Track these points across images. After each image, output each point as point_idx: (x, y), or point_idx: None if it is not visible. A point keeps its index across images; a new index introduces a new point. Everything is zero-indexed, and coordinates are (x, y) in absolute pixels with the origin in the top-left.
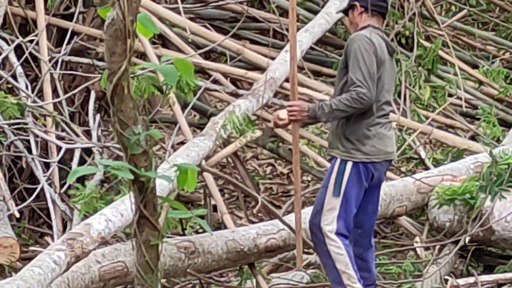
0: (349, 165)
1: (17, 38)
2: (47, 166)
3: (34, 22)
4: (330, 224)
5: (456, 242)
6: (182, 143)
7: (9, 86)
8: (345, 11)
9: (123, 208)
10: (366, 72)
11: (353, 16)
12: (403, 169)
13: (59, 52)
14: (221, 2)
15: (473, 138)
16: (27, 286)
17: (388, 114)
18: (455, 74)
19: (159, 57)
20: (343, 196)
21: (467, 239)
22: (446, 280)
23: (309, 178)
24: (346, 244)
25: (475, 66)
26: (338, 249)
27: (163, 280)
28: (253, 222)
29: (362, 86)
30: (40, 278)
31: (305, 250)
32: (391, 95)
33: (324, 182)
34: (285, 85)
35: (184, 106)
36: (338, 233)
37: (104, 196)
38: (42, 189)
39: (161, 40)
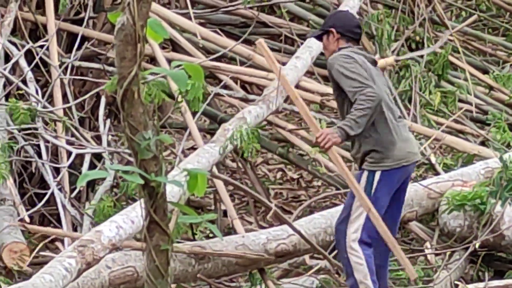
0: (378, 174)
1: (27, 43)
2: (57, 171)
3: (44, 27)
4: (355, 232)
5: (467, 248)
6: (193, 148)
7: (20, 92)
8: (319, 36)
9: (134, 215)
10: (358, 76)
11: (328, 42)
12: (413, 174)
13: (69, 57)
14: (231, 8)
15: (483, 143)
16: None
17: (400, 116)
18: (465, 80)
19: (169, 61)
20: (372, 204)
21: (477, 244)
22: (457, 286)
23: (319, 183)
24: (368, 255)
25: (485, 71)
26: (358, 258)
27: (173, 285)
28: (263, 227)
29: (363, 87)
30: (51, 285)
31: (315, 255)
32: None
33: (351, 192)
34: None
35: (194, 112)
36: (361, 241)
37: (119, 205)
38: (52, 194)
39: (172, 46)
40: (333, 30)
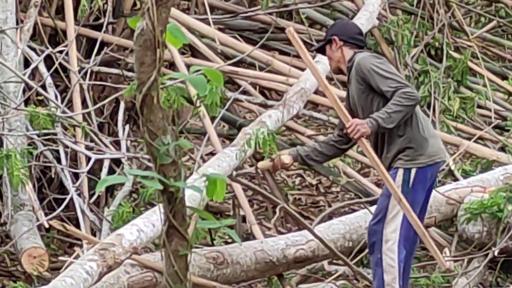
0: (413, 171)
1: (47, 48)
2: (76, 176)
3: (64, 32)
4: (393, 232)
5: (485, 254)
6: (211, 153)
7: (40, 98)
8: (322, 49)
9: (155, 219)
10: (395, 76)
11: (332, 51)
12: None
13: (88, 63)
14: (250, 13)
15: (502, 149)
16: None
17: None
18: (485, 85)
19: (188, 66)
20: (408, 203)
21: (496, 252)
22: None
23: (338, 189)
24: (401, 259)
25: (504, 77)
26: (392, 261)
27: None
28: (281, 233)
29: (403, 86)
30: None
31: (334, 261)
32: None
33: (385, 191)
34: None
35: (213, 117)
36: (399, 243)
37: (137, 210)
38: (71, 199)
39: (191, 51)
40: (336, 38)
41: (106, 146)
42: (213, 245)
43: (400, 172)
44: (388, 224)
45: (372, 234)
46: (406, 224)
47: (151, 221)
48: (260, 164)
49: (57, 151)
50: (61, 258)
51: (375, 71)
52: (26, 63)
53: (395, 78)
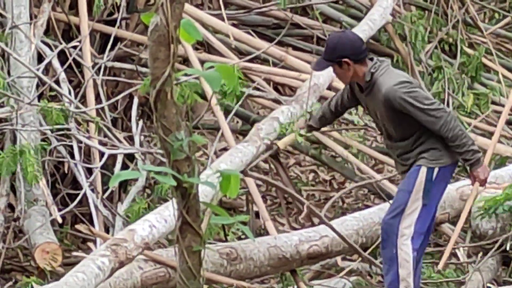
0: (436, 171)
1: (61, 43)
2: (89, 171)
3: (78, 27)
4: (408, 227)
5: (499, 249)
6: (225, 149)
7: (53, 94)
8: (325, 67)
9: (167, 214)
10: (428, 103)
11: (343, 71)
12: None
13: (102, 58)
14: (264, 9)
15: None
16: None
17: None
18: (499, 82)
19: (202, 62)
20: (428, 201)
21: (509, 246)
22: None
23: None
24: (414, 255)
25: None
26: (407, 255)
27: (205, 287)
28: (295, 229)
29: (438, 113)
30: (84, 283)
31: (347, 257)
32: None
33: (405, 187)
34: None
35: (226, 112)
36: (412, 238)
37: (152, 206)
38: (84, 195)
39: (204, 47)
40: (347, 60)
41: (120, 141)
42: (226, 240)
43: (424, 169)
44: (405, 219)
45: (387, 228)
46: (422, 220)
47: (164, 217)
48: (281, 143)
49: (71, 146)
50: (74, 253)
51: (409, 102)
52: (40, 58)
53: (429, 107)
